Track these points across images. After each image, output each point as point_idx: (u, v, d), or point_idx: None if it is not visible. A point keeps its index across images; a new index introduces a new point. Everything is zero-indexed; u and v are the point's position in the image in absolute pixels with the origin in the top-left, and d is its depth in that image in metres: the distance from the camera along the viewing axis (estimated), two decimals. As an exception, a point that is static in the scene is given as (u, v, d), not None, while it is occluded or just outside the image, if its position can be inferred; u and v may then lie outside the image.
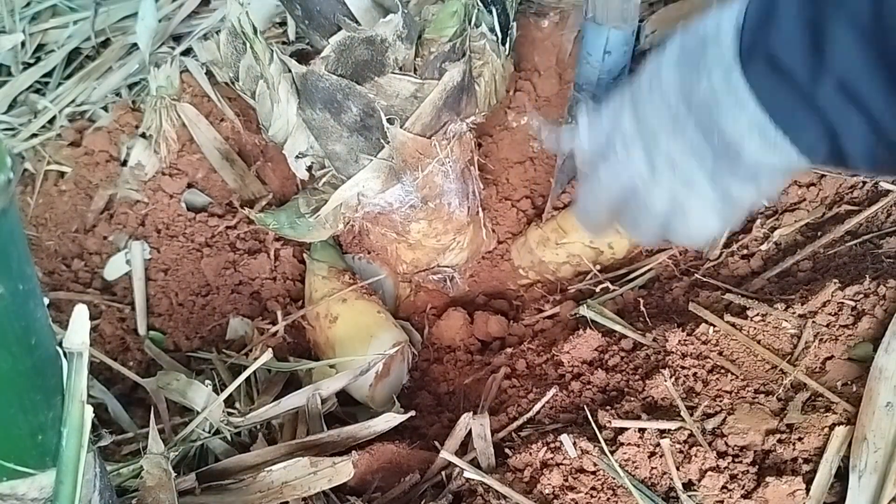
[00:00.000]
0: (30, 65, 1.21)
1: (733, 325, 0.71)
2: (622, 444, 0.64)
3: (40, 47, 1.22)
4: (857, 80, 0.46)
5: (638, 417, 0.67)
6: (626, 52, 0.83)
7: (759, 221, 0.86)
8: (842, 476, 0.60)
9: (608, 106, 0.63)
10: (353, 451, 0.72)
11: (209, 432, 0.76)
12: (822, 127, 0.50)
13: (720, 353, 0.70)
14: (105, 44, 1.21)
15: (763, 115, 0.52)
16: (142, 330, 0.98)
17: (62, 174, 1.12)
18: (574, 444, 0.65)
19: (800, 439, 0.61)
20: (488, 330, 0.94)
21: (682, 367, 0.70)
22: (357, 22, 0.73)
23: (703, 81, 0.54)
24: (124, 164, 1.09)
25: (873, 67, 0.45)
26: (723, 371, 0.68)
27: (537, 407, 0.74)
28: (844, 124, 0.49)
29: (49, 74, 1.20)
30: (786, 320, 0.69)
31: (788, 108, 0.51)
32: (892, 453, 0.57)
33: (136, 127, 1.11)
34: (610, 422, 0.67)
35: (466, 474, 0.67)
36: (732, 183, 0.57)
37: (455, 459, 0.69)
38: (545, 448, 0.66)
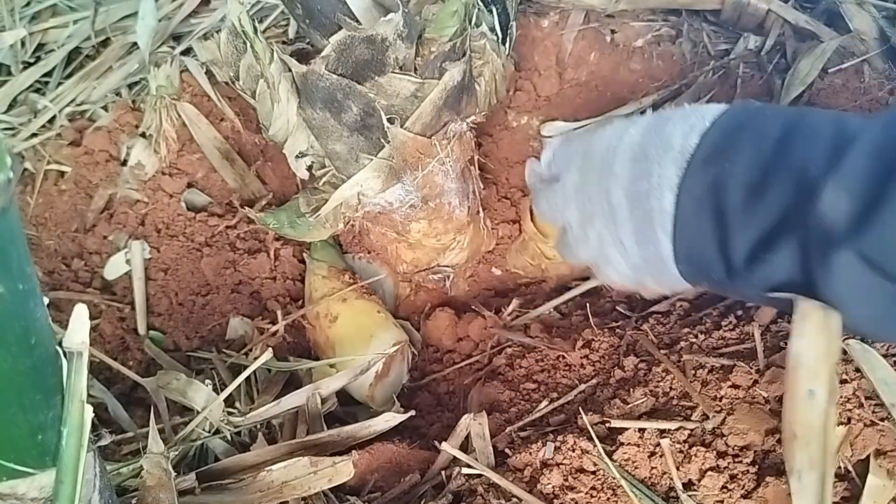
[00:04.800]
0: (30, 64, 1.21)
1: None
2: (622, 444, 0.64)
3: (40, 47, 1.22)
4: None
5: (638, 417, 0.67)
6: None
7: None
8: (841, 476, 0.60)
9: (566, 146, 0.65)
10: (353, 451, 0.72)
11: (209, 432, 0.76)
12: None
13: (720, 354, 0.70)
14: (105, 43, 1.21)
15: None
16: (142, 329, 0.98)
17: (62, 174, 1.11)
18: (574, 444, 0.65)
19: (800, 439, 0.61)
20: (468, 332, 0.94)
21: (682, 368, 0.70)
22: (357, 21, 0.73)
23: (654, 200, 0.54)
24: (124, 163, 1.09)
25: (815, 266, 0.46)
26: (722, 371, 0.68)
27: (538, 407, 0.74)
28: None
29: (49, 74, 1.20)
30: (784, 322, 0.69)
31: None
32: (824, 445, 0.51)
33: (136, 126, 1.11)
34: (610, 422, 0.67)
35: (466, 471, 0.67)
36: (650, 280, 0.60)
37: (456, 452, 0.69)
38: (545, 448, 0.66)
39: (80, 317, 0.43)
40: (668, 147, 0.54)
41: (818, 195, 0.44)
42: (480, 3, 0.83)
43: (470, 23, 0.79)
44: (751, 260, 0.49)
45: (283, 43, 0.83)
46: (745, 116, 0.52)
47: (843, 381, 0.64)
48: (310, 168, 0.85)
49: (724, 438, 0.63)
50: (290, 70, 0.75)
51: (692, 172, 0.52)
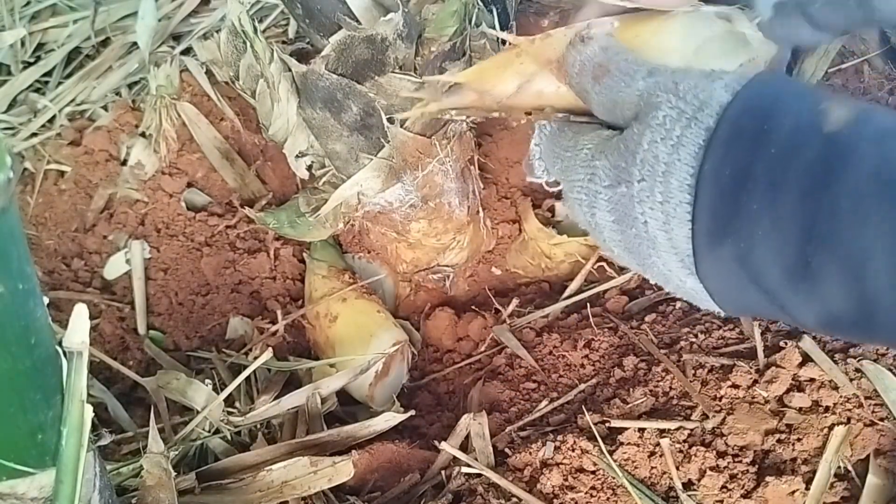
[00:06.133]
0: (30, 64, 1.21)
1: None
2: (622, 443, 0.64)
3: (40, 46, 1.22)
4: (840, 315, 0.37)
5: (638, 417, 0.67)
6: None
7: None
8: (841, 476, 0.60)
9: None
10: (353, 451, 0.72)
11: (209, 432, 0.76)
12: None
13: (720, 354, 0.70)
14: (105, 43, 1.21)
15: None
16: (141, 329, 0.98)
17: (62, 173, 1.11)
18: (574, 443, 0.65)
19: (799, 440, 0.61)
20: (468, 332, 0.94)
21: (682, 368, 0.70)
22: (357, 21, 0.73)
23: (639, 224, 0.42)
24: (124, 163, 1.09)
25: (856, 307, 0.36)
26: (722, 371, 0.68)
27: (538, 407, 0.74)
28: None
29: (49, 73, 1.20)
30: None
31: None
32: None
33: (136, 126, 1.11)
34: (610, 422, 0.67)
35: (466, 470, 0.67)
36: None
37: (456, 452, 0.69)
38: (545, 448, 0.66)
39: (80, 317, 0.43)
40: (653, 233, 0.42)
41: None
42: (480, 3, 0.83)
43: (470, 22, 0.79)
44: (828, 326, 0.39)
45: (283, 43, 0.83)
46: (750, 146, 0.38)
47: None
48: (310, 168, 0.85)
49: (724, 438, 0.63)
50: (290, 70, 0.75)
51: (700, 249, 0.40)
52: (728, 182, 0.38)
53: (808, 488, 0.58)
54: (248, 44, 0.76)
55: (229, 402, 0.79)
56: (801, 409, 0.63)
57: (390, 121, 0.75)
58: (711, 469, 0.61)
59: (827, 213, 0.35)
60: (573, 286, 0.91)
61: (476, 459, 0.69)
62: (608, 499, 0.62)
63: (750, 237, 0.38)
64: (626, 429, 0.65)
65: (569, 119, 0.49)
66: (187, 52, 1.15)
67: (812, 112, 0.37)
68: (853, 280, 0.35)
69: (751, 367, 0.66)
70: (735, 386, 0.66)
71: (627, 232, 0.44)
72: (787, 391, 0.64)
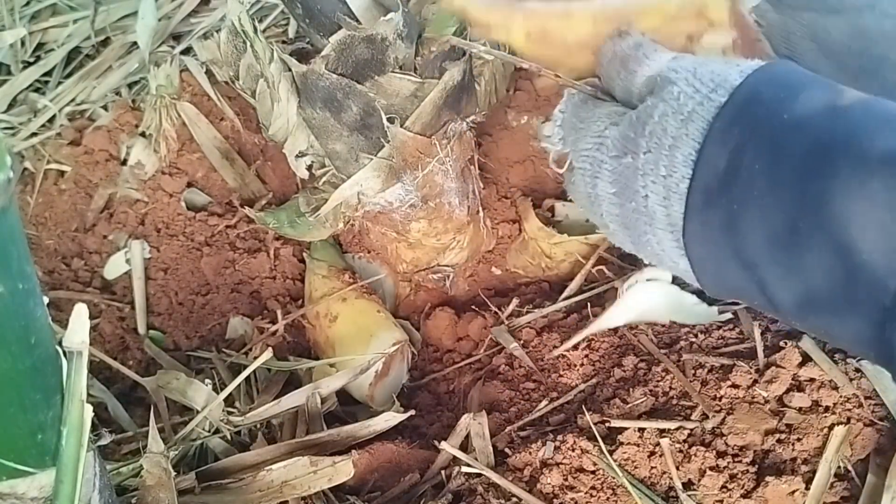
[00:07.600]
0: (30, 63, 1.21)
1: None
2: (622, 443, 0.64)
3: (40, 46, 1.22)
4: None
5: (638, 417, 0.67)
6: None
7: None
8: (841, 476, 0.60)
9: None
10: (353, 451, 0.72)
11: (209, 431, 0.76)
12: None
13: (720, 354, 0.70)
14: (105, 43, 1.21)
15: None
16: (141, 329, 0.98)
17: (62, 173, 1.11)
18: (574, 443, 0.65)
19: (799, 440, 0.61)
20: (468, 331, 0.94)
21: (682, 367, 0.70)
22: (357, 21, 0.73)
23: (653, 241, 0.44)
24: (124, 163, 1.09)
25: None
26: (722, 370, 0.68)
27: (538, 407, 0.75)
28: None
29: (49, 73, 1.20)
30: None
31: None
32: None
33: (136, 126, 1.11)
34: (610, 421, 0.67)
35: (465, 470, 0.67)
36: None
37: (456, 452, 0.69)
38: (545, 448, 0.66)
39: (80, 316, 0.43)
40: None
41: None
42: (480, 3, 0.83)
43: (470, 22, 0.79)
44: (803, 307, 0.38)
45: (283, 42, 0.83)
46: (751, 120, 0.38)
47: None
48: (310, 167, 0.85)
49: (724, 438, 0.63)
50: (289, 69, 0.75)
51: (692, 209, 0.40)
52: (735, 139, 0.38)
53: (808, 488, 0.58)
54: (248, 44, 0.76)
55: (229, 401, 0.79)
56: (801, 409, 0.63)
57: (390, 121, 0.75)
58: (711, 469, 0.61)
59: (827, 178, 0.35)
60: (573, 286, 0.91)
61: (476, 459, 0.69)
62: (608, 499, 0.62)
63: (744, 198, 0.38)
64: (626, 429, 0.65)
65: (596, 94, 0.49)
66: (187, 51, 1.15)
67: (828, 88, 0.38)
68: (841, 248, 0.34)
69: (751, 367, 0.66)
70: (735, 386, 0.66)
71: (626, 206, 0.44)
72: (787, 391, 0.64)
